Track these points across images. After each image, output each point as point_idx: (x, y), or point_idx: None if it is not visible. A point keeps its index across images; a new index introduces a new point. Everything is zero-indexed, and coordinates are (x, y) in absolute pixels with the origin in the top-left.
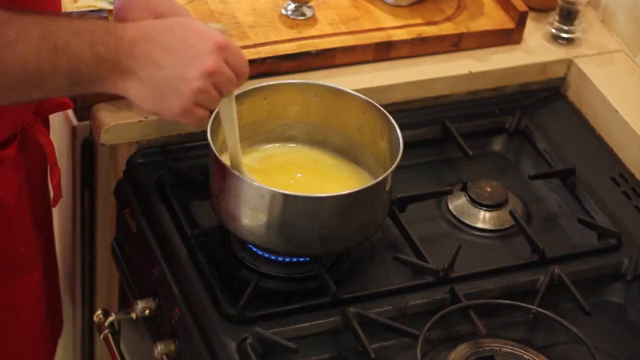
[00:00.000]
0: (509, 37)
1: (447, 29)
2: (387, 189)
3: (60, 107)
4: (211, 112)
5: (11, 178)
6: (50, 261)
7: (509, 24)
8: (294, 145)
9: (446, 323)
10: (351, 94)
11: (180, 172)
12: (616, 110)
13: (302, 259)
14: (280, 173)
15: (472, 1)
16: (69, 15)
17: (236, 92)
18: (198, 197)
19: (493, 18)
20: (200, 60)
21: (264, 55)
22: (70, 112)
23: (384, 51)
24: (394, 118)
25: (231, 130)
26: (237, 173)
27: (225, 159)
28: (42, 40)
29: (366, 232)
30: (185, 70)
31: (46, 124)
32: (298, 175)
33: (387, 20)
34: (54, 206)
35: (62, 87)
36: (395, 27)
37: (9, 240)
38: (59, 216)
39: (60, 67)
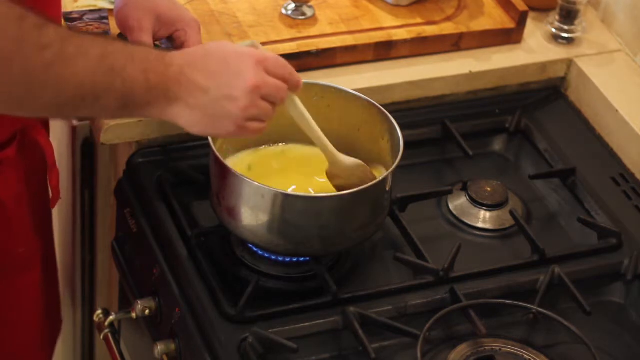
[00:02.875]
0: (509, 36)
1: (448, 28)
2: (387, 188)
3: None
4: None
5: (11, 178)
6: (49, 261)
7: (509, 24)
8: (294, 145)
9: (446, 323)
10: (351, 93)
11: (181, 172)
12: (616, 110)
13: (302, 259)
14: (280, 173)
15: (473, 1)
16: (123, 39)
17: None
18: (198, 197)
19: (493, 18)
20: (242, 78)
21: None
22: None
23: (384, 51)
24: (394, 118)
25: (309, 127)
26: (237, 172)
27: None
28: (100, 60)
29: (366, 232)
30: (230, 90)
31: (46, 125)
32: (298, 176)
33: (387, 19)
34: (53, 207)
35: (111, 108)
36: (395, 26)
37: (9, 241)
38: (59, 216)
39: (114, 89)
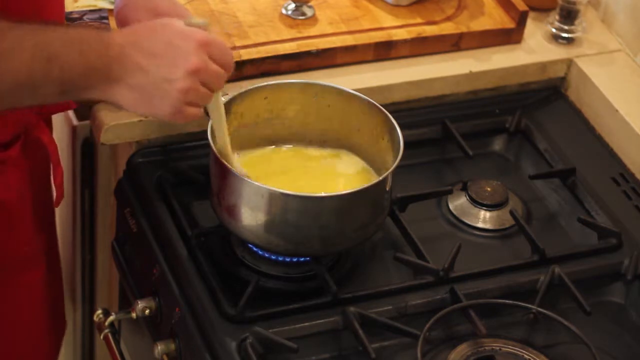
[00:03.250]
0: (509, 36)
1: (448, 28)
2: (387, 188)
3: (63, 107)
4: (204, 108)
5: (14, 178)
6: (53, 261)
7: (509, 24)
8: (294, 145)
9: (446, 323)
10: (351, 93)
11: (181, 172)
12: (616, 110)
13: (302, 259)
14: (280, 173)
15: (473, 1)
16: (65, 24)
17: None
18: (198, 197)
19: (493, 18)
20: (184, 60)
21: (264, 55)
22: (70, 111)
23: (384, 51)
24: (394, 118)
25: (218, 120)
26: (230, 167)
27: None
28: (35, 50)
29: (366, 232)
30: (170, 72)
31: (49, 124)
32: (298, 175)
33: (387, 19)
34: (57, 206)
35: (53, 95)
36: (395, 26)
37: (12, 240)
38: (59, 216)
39: (52, 77)
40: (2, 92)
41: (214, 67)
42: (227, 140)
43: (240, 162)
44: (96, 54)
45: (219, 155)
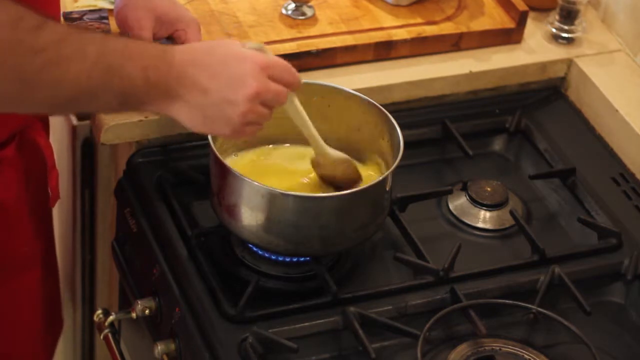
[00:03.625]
0: (509, 36)
1: (448, 28)
2: (387, 188)
3: None
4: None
5: (10, 178)
6: (50, 262)
7: (509, 24)
8: (294, 144)
9: (446, 323)
10: (351, 93)
11: (181, 172)
12: (616, 110)
13: (302, 259)
14: (280, 173)
15: (473, 1)
16: (123, 36)
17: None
18: (198, 197)
19: (493, 17)
20: (244, 84)
21: None
22: None
23: (384, 51)
24: (394, 118)
25: (303, 123)
26: (237, 172)
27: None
28: (97, 59)
29: (366, 232)
30: (231, 94)
31: (46, 126)
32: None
33: (387, 19)
34: (52, 206)
35: (112, 105)
36: (395, 26)
37: (9, 241)
38: (59, 216)
39: (111, 87)
40: (61, 99)
41: (275, 87)
42: (318, 137)
43: (240, 162)
44: (156, 70)
45: (218, 155)
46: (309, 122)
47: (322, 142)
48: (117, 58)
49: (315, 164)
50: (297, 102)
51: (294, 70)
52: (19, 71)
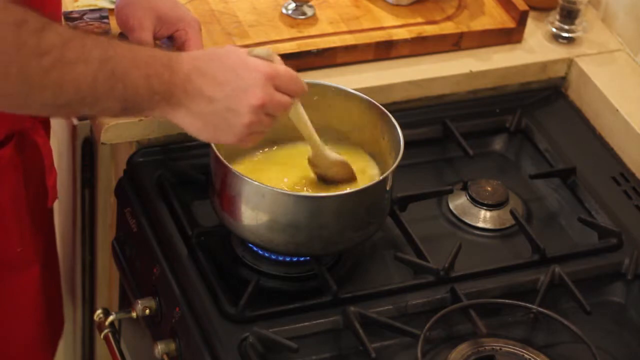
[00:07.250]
0: (510, 36)
1: (448, 28)
2: (387, 188)
3: None
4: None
5: (8, 178)
6: (50, 261)
7: (510, 23)
8: (294, 144)
9: (446, 322)
10: (352, 93)
11: (181, 172)
12: (617, 110)
13: (302, 259)
14: (281, 173)
15: (473, 0)
16: (125, 39)
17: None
18: (198, 197)
19: (494, 17)
20: (249, 94)
21: None
22: None
23: (385, 50)
24: (394, 117)
25: (304, 127)
26: (237, 172)
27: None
28: (101, 65)
29: (367, 232)
30: (235, 104)
31: (46, 126)
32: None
33: (387, 19)
34: (49, 205)
35: (114, 109)
36: (395, 26)
37: (7, 240)
38: (59, 216)
39: (114, 93)
40: (64, 101)
41: (279, 97)
42: (318, 141)
43: (240, 162)
44: (160, 79)
45: (219, 155)
46: (310, 125)
47: (320, 144)
48: (121, 64)
49: (312, 164)
50: (300, 107)
51: (300, 79)
52: (22, 73)
